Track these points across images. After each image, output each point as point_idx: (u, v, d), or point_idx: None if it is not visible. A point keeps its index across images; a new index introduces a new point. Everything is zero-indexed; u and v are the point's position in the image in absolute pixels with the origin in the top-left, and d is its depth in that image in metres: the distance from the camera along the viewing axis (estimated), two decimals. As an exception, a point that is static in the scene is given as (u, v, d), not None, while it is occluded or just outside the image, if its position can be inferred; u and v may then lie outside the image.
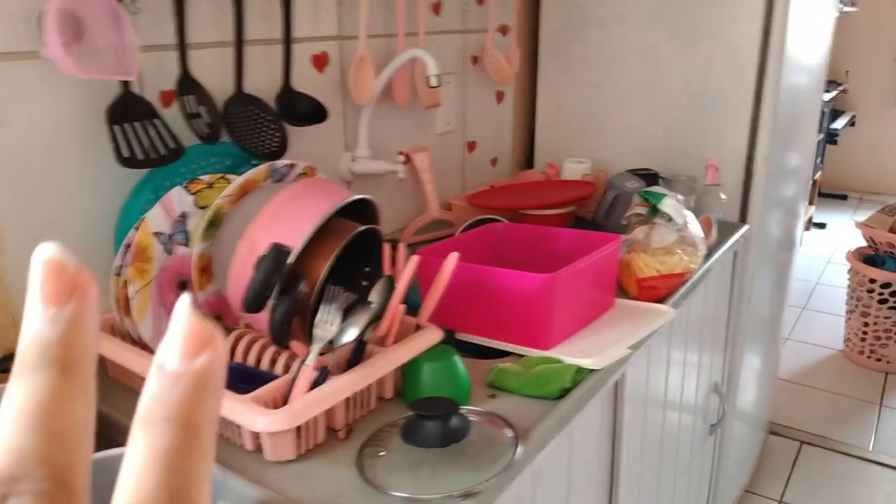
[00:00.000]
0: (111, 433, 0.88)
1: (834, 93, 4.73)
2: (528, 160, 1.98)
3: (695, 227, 1.30)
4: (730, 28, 1.58)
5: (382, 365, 0.86)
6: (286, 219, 0.85)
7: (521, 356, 1.04)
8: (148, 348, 0.92)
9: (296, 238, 0.83)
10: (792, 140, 1.82)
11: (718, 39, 1.59)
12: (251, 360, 0.92)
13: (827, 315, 3.42)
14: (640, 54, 1.70)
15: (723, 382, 1.72)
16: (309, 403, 0.78)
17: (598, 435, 1.10)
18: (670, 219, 1.28)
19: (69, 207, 0.97)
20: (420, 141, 1.57)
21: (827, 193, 5.33)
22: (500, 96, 1.81)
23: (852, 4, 5.00)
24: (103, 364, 0.95)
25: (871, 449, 2.45)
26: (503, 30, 1.76)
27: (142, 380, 0.20)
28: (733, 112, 1.61)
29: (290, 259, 0.81)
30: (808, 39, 1.77)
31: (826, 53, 2.07)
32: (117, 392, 0.94)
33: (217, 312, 0.97)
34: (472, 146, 1.75)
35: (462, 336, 1.13)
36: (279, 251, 0.79)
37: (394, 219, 1.54)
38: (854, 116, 5.16)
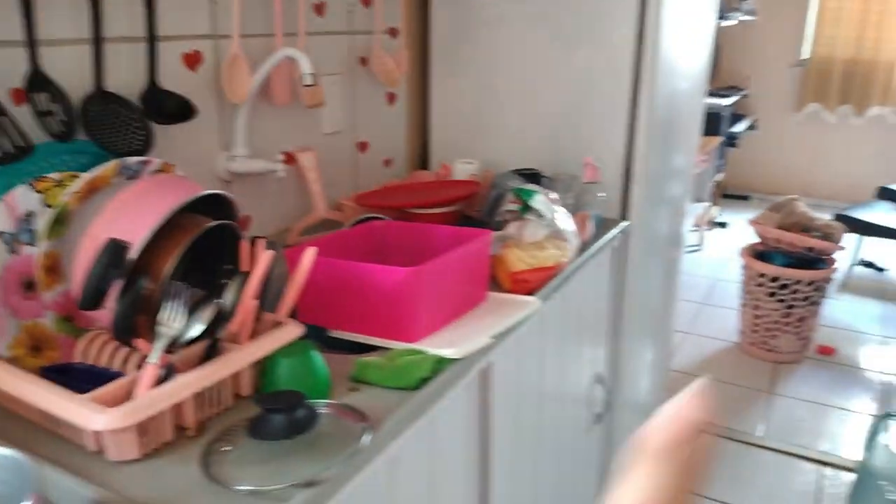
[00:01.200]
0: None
1: (735, 98, 4.96)
2: (423, 161, 2.01)
3: (565, 223, 1.34)
4: (607, 32, 1.64)
5: (232, 361, 0.86)
6: (131, 214, 0.84)
7: (389, 349, 1.06)
8: (-7, 351, 0.89)
9: (140, 233, 0.82)
10: (672, 141, 1.90)
11: (596, 43, 1.66)
12: (104, 362, 0.91)
13: (725, 309, 3.58)
14: (525, 57, 1.75)
15: (608, 373, 1.78)
16: (149, 400, 0.78)
17: (467, 424, 1.12)
18: (541, 214, 1.32)
19: None
20: (307, 141, 1.57)
21: (730, 194, 5.59)
22: (391, 97, 1.83)
23: (751, 13, 5.26)
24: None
25: (760, 435, 2.58)
26: (392, 32, 1.78)
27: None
28: (612, 113, 1.68)
29: (133, 254, 0.81)
30: (685, 45, 1.86)
31: (708, 58, 2.17)
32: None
33: (67, 313, 0.95)
34: (363, 146, 1.76)
35: (334, 333, 1.14)
36: (116, 246, 0.78)
37: (280, 219, 1.53)
38: (756, 120, 5.43)
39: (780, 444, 2.53)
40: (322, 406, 0.87)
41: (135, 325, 0.82)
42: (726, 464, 2.41)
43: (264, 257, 0.89)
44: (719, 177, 4.78)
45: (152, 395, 0.78)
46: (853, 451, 2.43)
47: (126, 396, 0.81)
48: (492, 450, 1.19)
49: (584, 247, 1.46)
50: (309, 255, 0.94)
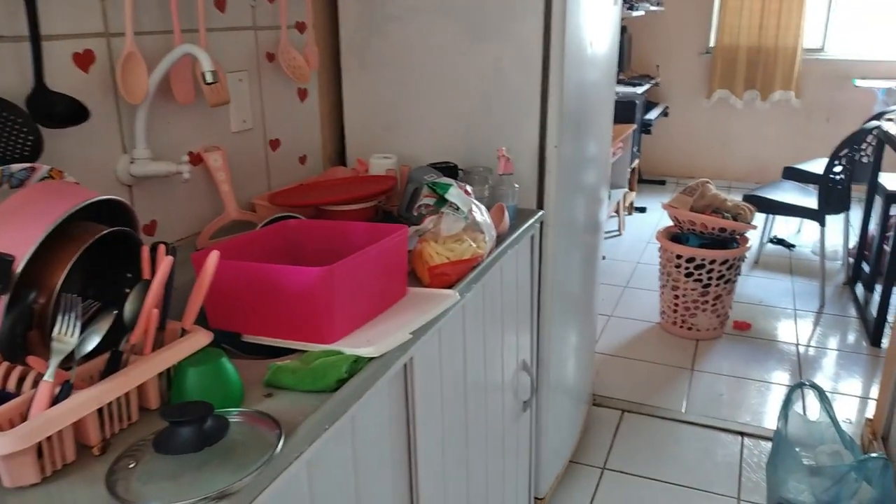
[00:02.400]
0: None
1: (647, 86, 5.10)
2: (340, 157, 1.98)
3: (481, 215, 1.35)
4: (514, 25, 1.65)
5: (136, 374, 0.82)
6: (15, 225, 0.79)
7: (306, 352, 1.03)
8: None
9: (26, 245, 0.77)
10: (584, 129, 1.93)
11: (505, 36, 1.67)
12: (-3, 382, 0.85)
13: (646, 291, 3.69)
14: (435, 51, 1.74)
15: (532, 360, 1.80)
16: (44, 421, 0.73)
17: (391, 422, 1.11)
18: (457, 208, 1.32)
19: None
20: (214, 140, 1.52)
21: (647, 180, 5.76)
22: (302, 94, 1.80)
23: (659, 4, 5.42)
24: None
25: (683, 411, 2.67)
26: (300, 27, 1.74)
27: None
28: (524, 105, 1.69)
29: (18, 268, 0.76)
30: (592, 36, 1.89)
31: (614, 48, 2.22)
32: None
33: (-47, 333, 0.88)
34: (275, 144, 1.72)
35: (248, 338, 1.11)
36: (-2, 260, 0.73)
37: (189, 222, 1.48)
38: (667, 107, 5.61)
39: (702, 418, 2.62)
40: (233, 415, 0.84)
41: (25, 341, 0.78)
42: (652, 440, 2.48)
43: (164, 263, 0.86)
44: (635, 163, 4.91)
45: (48, 414, 0.74)
46: (772, 420, 2.55)
47: (21, 418, 0.77)
48: (418, 445, 1.18)
49: (501, 238, 1.47)
50: (212, 259, 0.91)
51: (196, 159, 1.46)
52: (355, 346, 1.04)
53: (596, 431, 2.53)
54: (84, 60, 1.21)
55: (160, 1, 1.33)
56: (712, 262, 3.06)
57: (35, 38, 1.08)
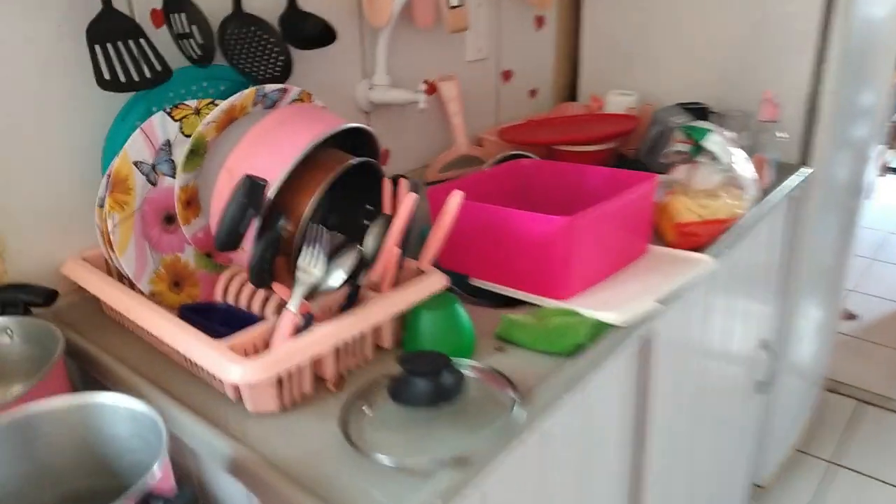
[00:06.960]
0: (97, 374, 0.84)
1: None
2: (571, 92, 1.84)
3: (744, 168, 1.16)
4: (801, -58, 1.39)
5: (374, 312, 0.78)
6: (268, 147, 0.77)
7: (537, 306, 0.95)
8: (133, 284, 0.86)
9: (278, 168, 0.75)
10: (864, 75, 1.62)
11: (787, -45, 1.41)
12: (243, 302, 0.86)
13: (897, 266, 3.20)
14: (696, -27, 1.53)
15: (775, 337, 1.59)
16: (288, 352, 0.72)
17: (622, 396, 1.00)
18: (715, 158, 1.14)
19: (55, 133, 0.91)
20: (448, 69, 1.45)
21: (907, 136, 4.95)
22: (539, 21, 1.67)
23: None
24: (98, 302, 0.91)
25: (934, 409, 2.30)
26: (545, -53, 1.60)
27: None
28: (797, 42, 1.43)
29: (270, 193, 0.73)
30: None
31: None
32: (113, 331, 0.89)
33: (207, 249, 0.90)
34: (507, 76, 1.62)
35: (475, 282, 1.05)
36: (252, 184, 0.71)
37: (419, 154, 1.44)
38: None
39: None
40: (467, 368, 0.78)
41: (272, 268, 0.76)
42: (890, 439, 2.16)
43: (408, 201, 0.80)
44: (896, 116, 4.22)
45: (291, 346, 0.72)
46: None
47: (264, 345, 0.76)
48: (650, 424, 1.07)
49: (759, 196, 1.27)
50: (455, 200, 0.84)
51: (430, 88, 1.40)
52: (592, 307, 0.93)
53: (826, 420, 2.25)
54: (333, -20, 1.18)
55: (409, -83, 1.26)
56: None
57: (291, -45, 1.05)
